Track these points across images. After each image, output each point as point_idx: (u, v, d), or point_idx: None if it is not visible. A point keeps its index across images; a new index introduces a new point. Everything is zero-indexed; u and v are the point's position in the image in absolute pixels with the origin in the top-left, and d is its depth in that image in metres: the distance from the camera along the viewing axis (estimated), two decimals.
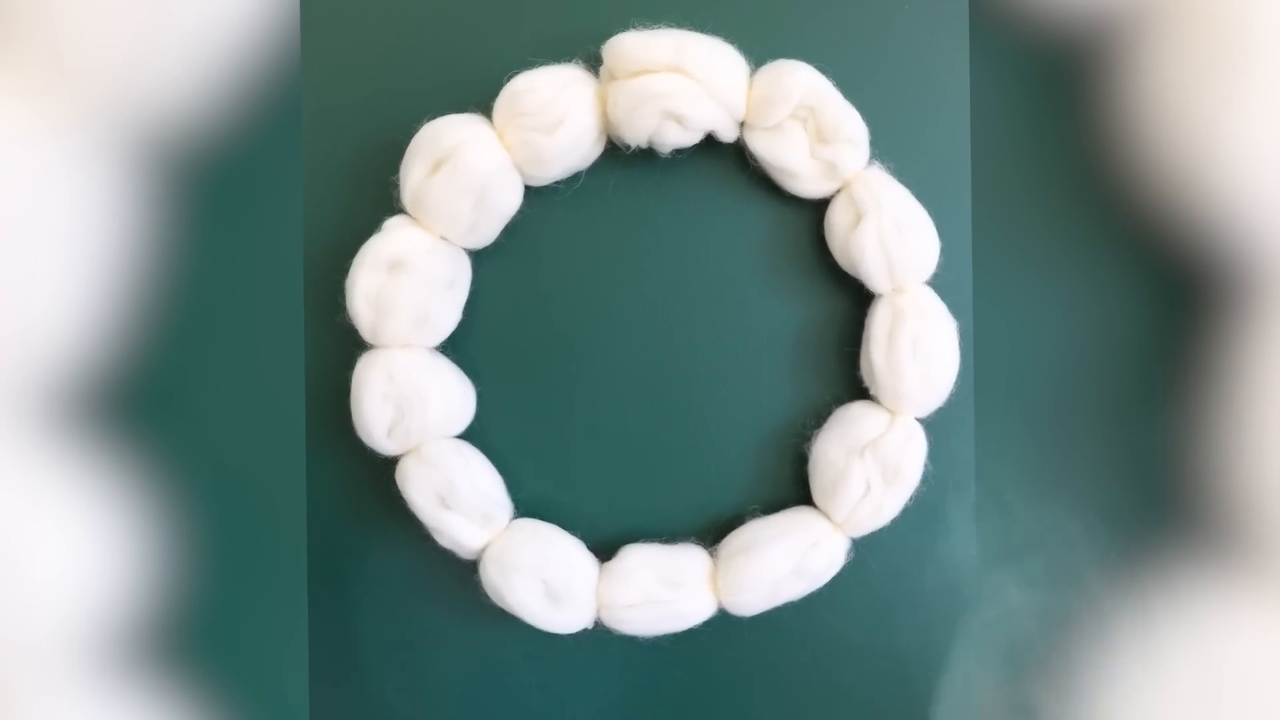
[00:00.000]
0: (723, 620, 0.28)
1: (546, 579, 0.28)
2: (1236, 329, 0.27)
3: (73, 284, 0.24)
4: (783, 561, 0.28)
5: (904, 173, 0.28)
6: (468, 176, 0.27)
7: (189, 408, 0.26)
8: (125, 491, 0.25)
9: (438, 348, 0.28)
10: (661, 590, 0.28)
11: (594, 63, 0.28)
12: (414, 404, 0.27)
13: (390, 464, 0.28)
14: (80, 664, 0.24)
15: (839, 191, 0.28)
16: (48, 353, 0.24)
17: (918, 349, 0.27)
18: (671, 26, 0.27)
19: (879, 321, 0.28)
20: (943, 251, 0.28)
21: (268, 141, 0.26)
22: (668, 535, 0.29)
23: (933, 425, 0.28)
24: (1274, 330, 0.27)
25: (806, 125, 0.28)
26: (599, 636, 0.28)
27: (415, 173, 0.27)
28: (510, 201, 0.28)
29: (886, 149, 0.28)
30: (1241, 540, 0.27)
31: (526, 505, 0.29)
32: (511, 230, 0.28)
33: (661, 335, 0.29)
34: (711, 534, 0.29)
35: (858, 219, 0.28)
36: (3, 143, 0.24)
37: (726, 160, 0.29)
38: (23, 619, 0.24)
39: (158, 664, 0.25)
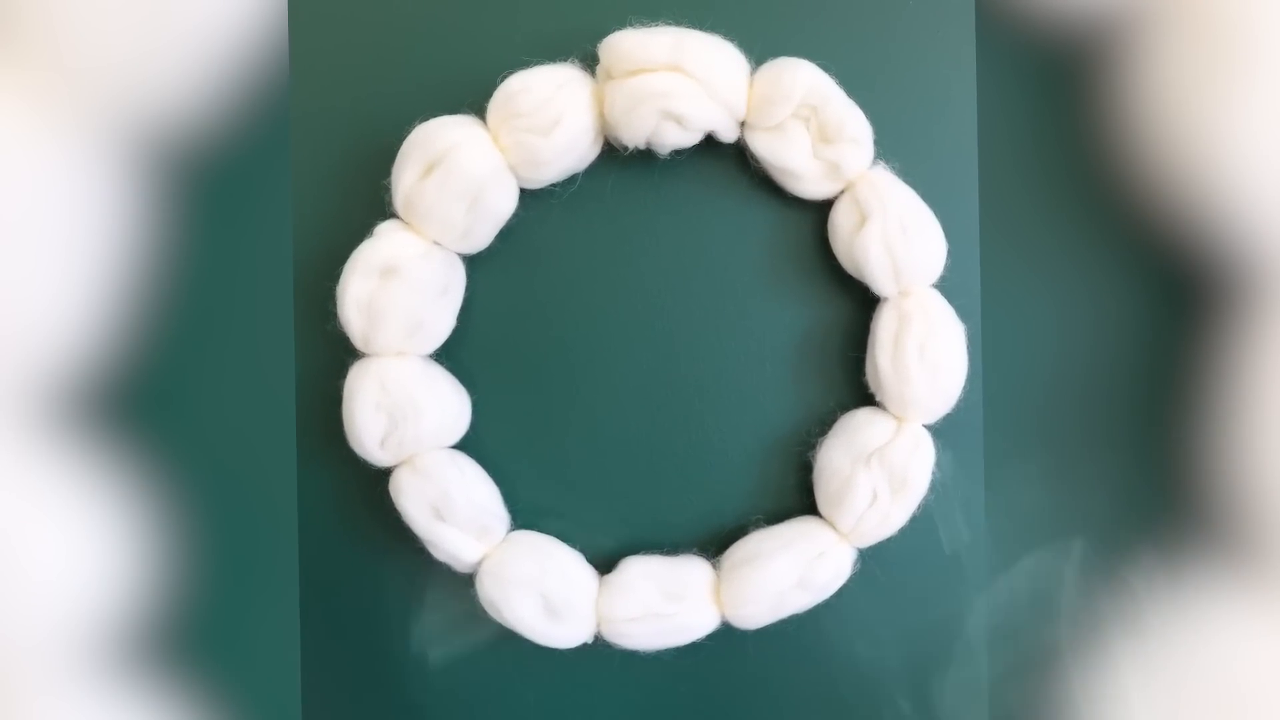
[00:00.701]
0: (726, 634, 0.28)
1: (545, 592, 0.27)
2: (1248, 331, 0.27)
3: (72, 284, 0.24)
4: (787, 573, 0.28)
5: (909, 173, 0.28)
6: (461, 180, 0.27)
7: (178, 417, 0.26)
8: (119, 495, 0.25)
9: (431, 356, 0.28)
10: (663, 603, 0.28)
11: (590, 62, 0.27)
12: (407, 414, 0.27)
13: (383, 475, 0.28)
14: (80, 664, 0.24)
15: (843, 192, 0.28)
16: (47, 353, 0.24)
17: (925, 354, 0.27)
18: (670, 24, 0.27)
19: (885, 326, 0.28)
20: (950, 253, 0.28)
21: (255, 145, 0.26)
22: (669, 547, 0.29)
23: (941, 432, 0.28)
24: None
25: (809, 125, 0.27)
26: (599, 651, 0.28)
27: (407, 176, 0.27)
28: (505, 205, 0.27)
29: (891, 148, 0.28)
30: (1251, 545, 0.27)
31: (524, 517, 0.29)
32: (506, 234, 0.28)
33: (661, 341, 0.29)
34: (714, 545, 0.29)
35: (862, 220, 0.27)
36: (3, 143, 0.24)
37: (727, 161, 0.29)
38: (23, 619, 0.24)
39: (154, 665, 0.25)
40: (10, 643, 0.24)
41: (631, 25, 0.27)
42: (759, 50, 0.27)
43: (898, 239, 0.27)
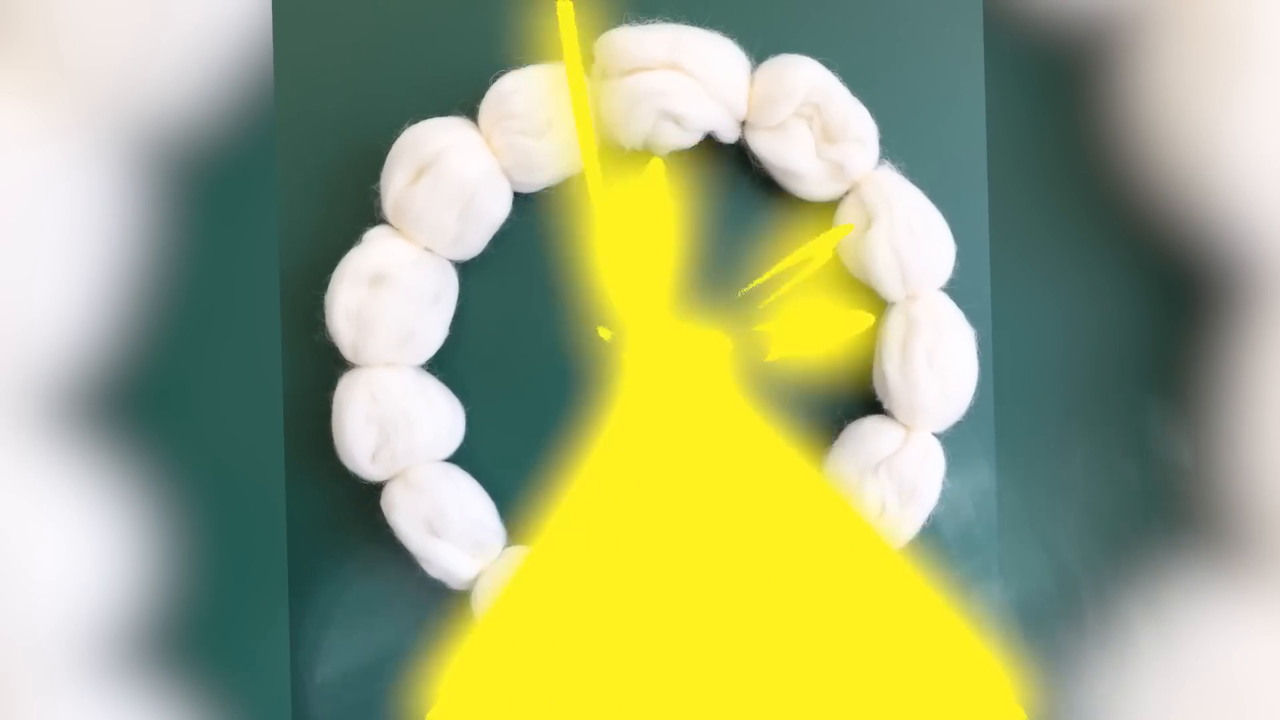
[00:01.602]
0: None
1: None
2: (1260, 335, 0.27)
3: (70, 284, 0.25)
4: None
5: (916, 173, 0.28)
6: (453, 184, 0.26)
7: (165, 427, 0.26)
8: (111, 497, 0.25)
9: (424, 366, 0.28)
10: None
11: (586, 61, 0.27)
12: (399, 426, 0.27)
13: (375, 490, 0.28)
14: (78, 663, 0.25)
15: (847, 194, 0.28)
16: (45, 353, 0.25)
17: (933, 360, 0.27)
18: (667, 21, 0.27)
19: (892, 331, 0.28)
20: (958, 256, 0.28)
21: (240, 150, 0.27)
22: None
23: (950, 440, 0.28)
24: None
25: (812, 124, 0.27)
26: None
27: (397, 180, 0.27)
28: (498, 209, 0.27)
29: (897, 148, 0.28)
30: (1256, 547, 0.28)
31: (521, 532, 0.28)
32: (500, 240, 0.28)
33: None
34: None
35: (868, 222, 0.27)
36: (3, 143, 0.24)
37: (728, 162, 0.29)
38: (22, 619, 0.24)
39: (148, 667, 0.26)
40: (9, 642, 0.24)
41: (628, 22, 0.27)
42: (759, 47, 0.27)
43: (905, 241, 0.27)
